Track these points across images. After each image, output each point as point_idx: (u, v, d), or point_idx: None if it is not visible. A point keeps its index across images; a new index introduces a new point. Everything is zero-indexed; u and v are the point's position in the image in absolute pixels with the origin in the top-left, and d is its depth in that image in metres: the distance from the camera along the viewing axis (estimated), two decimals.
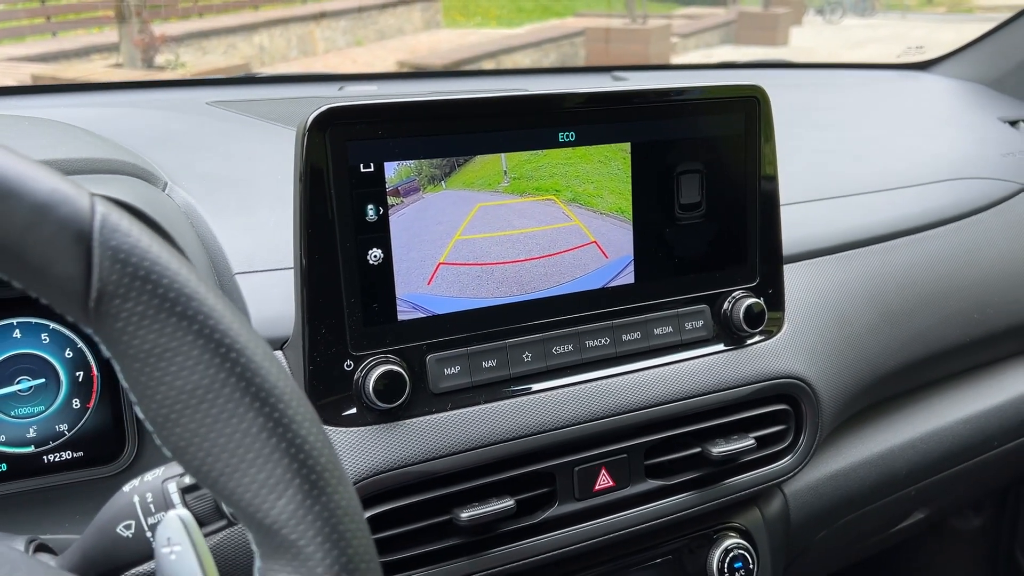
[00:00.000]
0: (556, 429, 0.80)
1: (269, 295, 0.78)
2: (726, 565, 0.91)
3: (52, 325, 0.82)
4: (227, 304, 0.43)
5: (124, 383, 0.41)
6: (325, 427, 0.74)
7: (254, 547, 0.43)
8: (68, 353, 0.84)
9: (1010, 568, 1.70)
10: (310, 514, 0.41)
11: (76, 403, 0.84)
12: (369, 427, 0.74)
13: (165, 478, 0.55)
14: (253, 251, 0.82)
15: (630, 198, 0.83)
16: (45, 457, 0.82)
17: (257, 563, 0.43)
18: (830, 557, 1.22)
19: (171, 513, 0.47)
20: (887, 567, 1.81)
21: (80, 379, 0.85)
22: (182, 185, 0.89)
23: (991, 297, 1.14)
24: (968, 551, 1.73)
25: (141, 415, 0.42)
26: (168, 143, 1.00)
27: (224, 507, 0.55)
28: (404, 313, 0.75)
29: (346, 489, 0.43)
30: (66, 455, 0.83)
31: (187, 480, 0.55)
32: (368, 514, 0.73)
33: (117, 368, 0.41)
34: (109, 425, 0.84)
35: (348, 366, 0.73)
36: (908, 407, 1.14)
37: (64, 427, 0.83)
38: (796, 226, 1.01)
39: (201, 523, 0.55)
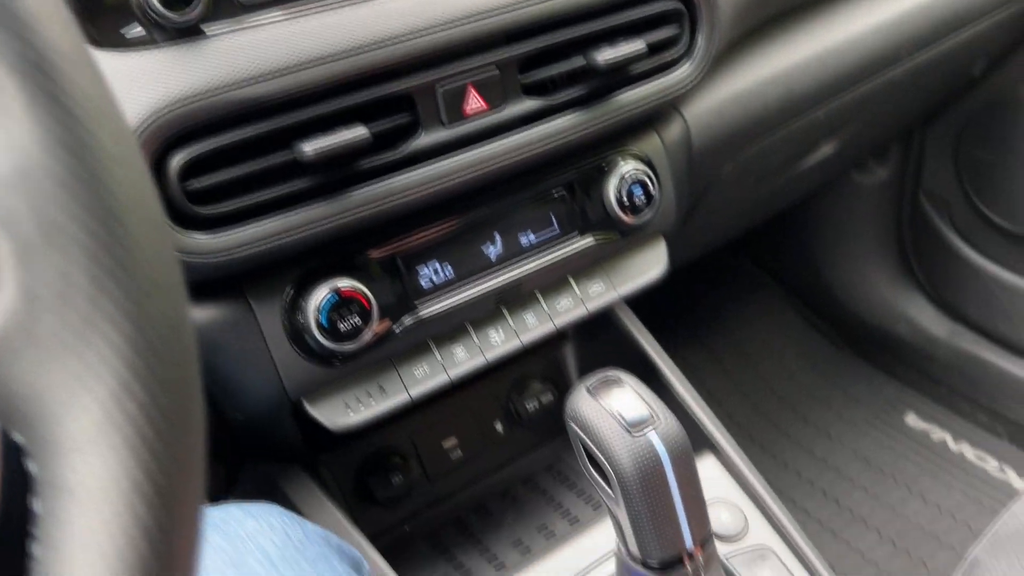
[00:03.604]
0: (405, 38, 0.66)
1: None
2: (624, 193, 0.82)
3: None
4: None
5: None
6: (105, 52, 0.59)
7: None
8: None
9: (915, 213, 1.71)
10: None
11: None
12: (163, 48, 0.59)
13: None
14: None
15: None
16: None
17: None
18: (737, 201, 1.17)
19: None
20: (794, 226, 1.82)
21: None
22: None
23: None
24: (874, 204, 1.73)
25: None
26: None
27: None
28: None
29: None
30: None
31: None
32: (190, 154, 0.60)
33: None
34: None
35: None
36: (814, 20, 1.03)
37: None
38: None
39: None
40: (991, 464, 1.60)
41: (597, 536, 0.84)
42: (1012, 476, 1.57)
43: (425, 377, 0.77)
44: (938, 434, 1.66)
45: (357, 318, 0.69)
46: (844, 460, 1.64)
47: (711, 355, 1.84)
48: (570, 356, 1.05)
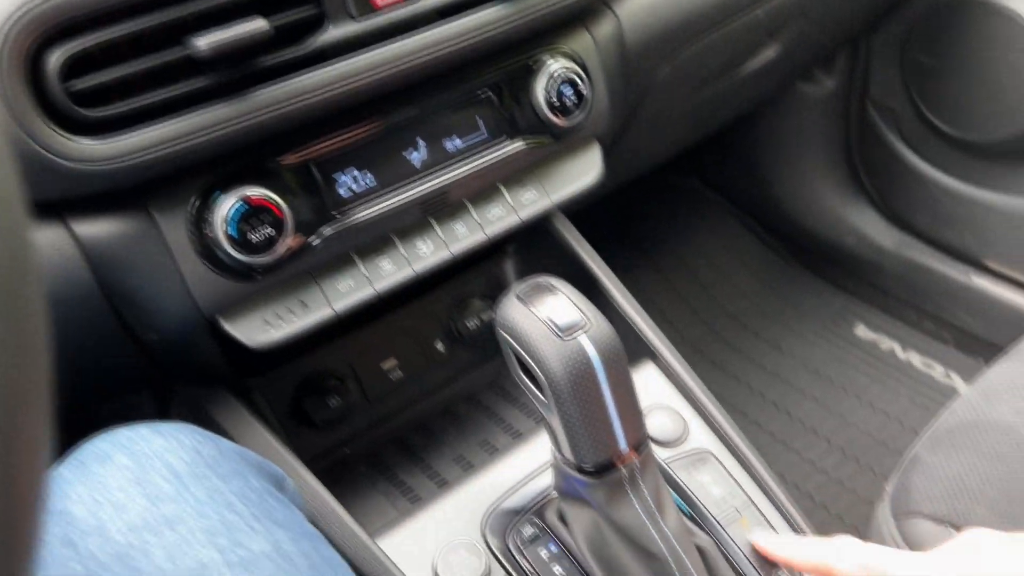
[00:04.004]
0: None
1: None
2: (553, 94, 0.78)
3: None
4: None
5: None
6: None
7: None
8: None
9: (863, 124, 1.69)
10: None
11: None
12: None
13: None
14: None
15: None
16: None
17: None
18: (678, 109, 1.13)
19: None
20: (741, 142, 1.80)
21: None
22: None
23: None
24: (821, 115, 1.71)
25: None
26: None
27: None
28: None
29: None
30: None
31: None
32: (70, 50, 0.56)
33: None
34: None
35: None
36: None
37: None
38: None
39: None
40: (937, 370, 1.62)
41: (537, 447, 0.83)
42: (957, 381, 1.59)
43: (350, 291, 0.74)
44: (886, 343, 1.68)
45: (269, 229, 0.66)
46: (795, 372, 1.65)
47: (661, 275, 1.83)
48: (511, 273, 1.03)
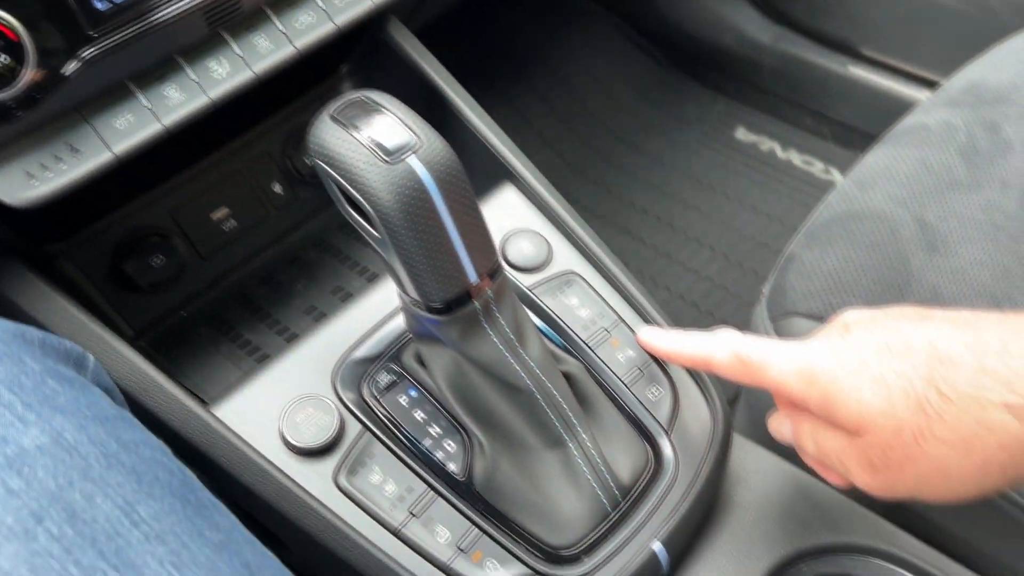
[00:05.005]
0: None
1: None
2: None
3: None
4: None
5: None
6: None
7: None
8: None
9: None
10: None
11: None
12: None
13: None
14: None
15: None
16: None
17: None
18: None
19: None
20: None
21: None
22: None
23: None
24: None
25: None
26: None
27: None
28: None
29: None
30: None
31: None
32: None
33: None
34: None
35: None
36: None
37: None
38: None
39: None
40: (817, 167, 1.60)
41: (393, 289, 0.75)
42: (836, 175, 1.58)
43: (130, 128, 0.62)
44: (767, 144, 1.64)
45: (4, 57, 0.52)
46: (677, 184, 1.61)
47: (537, 95, 1.72)
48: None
